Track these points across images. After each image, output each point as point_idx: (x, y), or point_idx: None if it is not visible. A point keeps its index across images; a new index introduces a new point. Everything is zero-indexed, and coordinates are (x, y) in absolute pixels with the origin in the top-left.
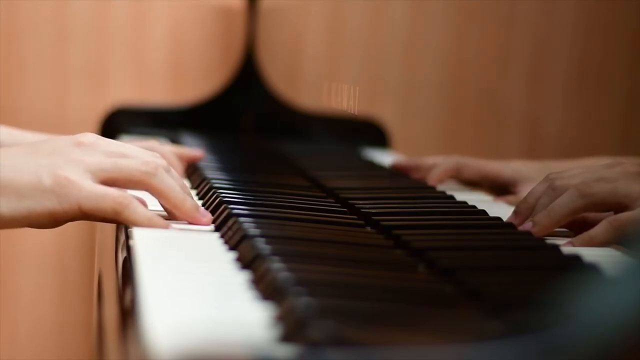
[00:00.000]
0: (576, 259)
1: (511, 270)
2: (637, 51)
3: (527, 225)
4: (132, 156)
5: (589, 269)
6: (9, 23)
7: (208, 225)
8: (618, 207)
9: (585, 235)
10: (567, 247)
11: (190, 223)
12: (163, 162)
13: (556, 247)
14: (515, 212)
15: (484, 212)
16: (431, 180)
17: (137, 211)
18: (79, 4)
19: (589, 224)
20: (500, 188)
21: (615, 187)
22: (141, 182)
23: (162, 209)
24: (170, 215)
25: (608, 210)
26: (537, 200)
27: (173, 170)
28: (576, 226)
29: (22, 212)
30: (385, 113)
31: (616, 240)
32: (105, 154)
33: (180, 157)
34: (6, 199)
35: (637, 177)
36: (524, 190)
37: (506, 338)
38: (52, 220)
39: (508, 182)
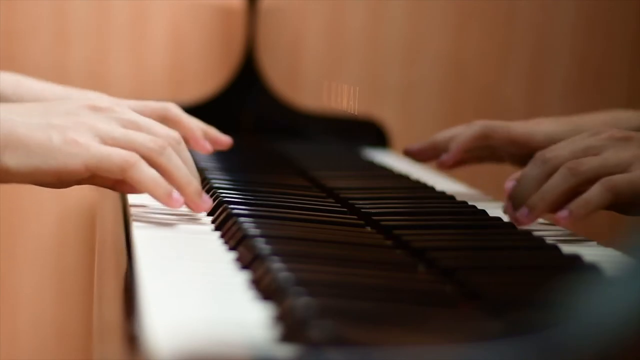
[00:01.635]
0: (576, 259)
1: (511, 270)
2: (637, 51)
3: (523, 212)
4: (145, 129)
5: (589, 269)
6: (9, 23)
7: (205, 211)
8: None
9: (580, 199)
10: (564, 214)
11: (188, 207)
12: (175, 138)
13: (556, 247)
14: (509, 198)
15: (484, 212)
16: (456, 148)
17: (144, 171)
18: (79, 4)
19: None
20: (529, 155)
21: (604, 159)
22: (148, 159)
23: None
24: (166, 203)
25: None
26: (530, 182)
27: (185, 150)
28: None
29: (29, 168)
30: (385, 113)
31: (611, 201)
32: (119, 121)
33: (205, 136)
34: (16, 154)
35: (624, 142)
36: None
37: (506, 338)
38: (57, 180)
39: (540, 147)
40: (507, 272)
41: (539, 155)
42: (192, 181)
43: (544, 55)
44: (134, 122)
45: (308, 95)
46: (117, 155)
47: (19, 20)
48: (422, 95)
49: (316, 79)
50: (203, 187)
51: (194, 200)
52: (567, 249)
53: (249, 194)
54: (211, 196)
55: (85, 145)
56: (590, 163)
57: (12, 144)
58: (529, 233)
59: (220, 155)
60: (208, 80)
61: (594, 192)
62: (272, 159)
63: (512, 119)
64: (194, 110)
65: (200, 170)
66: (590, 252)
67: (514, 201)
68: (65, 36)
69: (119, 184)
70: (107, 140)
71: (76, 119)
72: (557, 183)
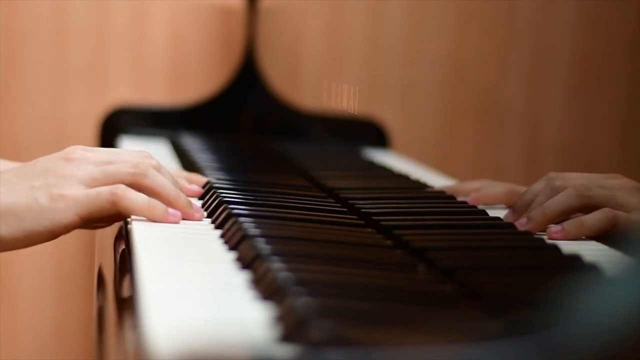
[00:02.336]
0: (576, 259)
1: (511, 270)
2: (637, 52)
3: (522, 221)
4: (121, 161)
5: (589, 269)
6: (9, 23)
7: (200, 220)
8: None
9: (577, 219)
10: (557, 229)
11: (183, 218)
12: (152, 161)
13: (556, 247)
14: (512, 209)
15: (484, 212)
16: (478, 199)
17: (134, 198)
18: (79, 4)
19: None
20: None
21: (613, 195)
22: (133, 184)
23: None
24: (165, 220)
25: None
26: (535, 197)
27: (164, 168)
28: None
29: (23, 233)
30: (385, 113)
31: (606, 230)
32: (95, 164)
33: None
34: (6, 223)
35: (635, 191)
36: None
37: (506, 338)
38: (53, 237)
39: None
40: (507, 272)
41: (552, 174)
42: (180, 194)
43: (544, 55)
44: (109, 160)
45: (308, 95)
46: (104, 191)
47: (19, 20)
48: (422, 95)
49: (316, 79)
50: (203, 187)
51: (186, 212)
52: (567, 249)
53: (249, 194)
54: (211, 196)
55: (72, 196)
56: (599, 191)
57: (2, 215)
58: (529, 233)
59: (220, 155)
60: (208, 80)
61: (592, 217)
62: (272, 159)
63: (512, 119)
64: (194, 110)
65: (200, 170)
66: (590, 252)
67: (516, 209)
68: (65, 36)
69: (116, 217)
70: (90, 183)
71: (55, 173)
72: (561, 201)
